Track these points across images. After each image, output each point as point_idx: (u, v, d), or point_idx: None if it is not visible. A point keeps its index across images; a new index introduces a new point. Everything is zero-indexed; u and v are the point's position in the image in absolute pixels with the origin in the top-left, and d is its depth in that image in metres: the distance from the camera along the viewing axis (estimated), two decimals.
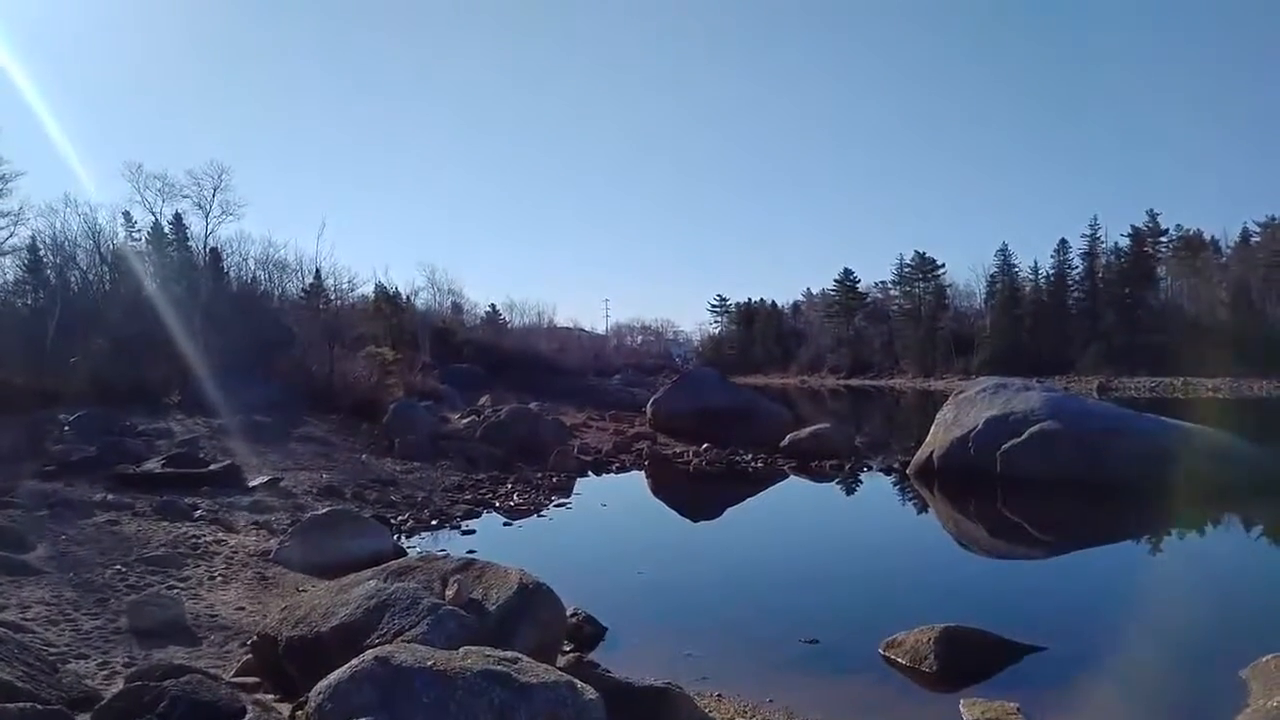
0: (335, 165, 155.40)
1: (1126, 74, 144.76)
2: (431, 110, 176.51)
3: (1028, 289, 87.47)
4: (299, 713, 3.83)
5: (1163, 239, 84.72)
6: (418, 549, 10.29)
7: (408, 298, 52.25)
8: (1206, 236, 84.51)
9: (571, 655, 6.11)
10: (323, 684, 3.55)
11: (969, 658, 6.67)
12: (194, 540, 9.55)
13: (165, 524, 10.15)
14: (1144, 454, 15.69)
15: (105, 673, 5.37)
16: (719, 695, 6.06)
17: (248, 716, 3.81)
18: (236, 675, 5.36)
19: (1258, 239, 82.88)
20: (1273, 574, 10.75)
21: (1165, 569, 11.15)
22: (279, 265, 37.18)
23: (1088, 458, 15.68)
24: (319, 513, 10.22)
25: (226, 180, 35.96)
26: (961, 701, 5.92)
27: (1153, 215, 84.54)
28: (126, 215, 38.37)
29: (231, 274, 36.33)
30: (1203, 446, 16.15)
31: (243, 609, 7.35)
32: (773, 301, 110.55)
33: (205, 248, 37.22)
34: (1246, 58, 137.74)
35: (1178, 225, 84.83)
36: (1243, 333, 72.74)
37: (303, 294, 39.01)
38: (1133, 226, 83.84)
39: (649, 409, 26.70)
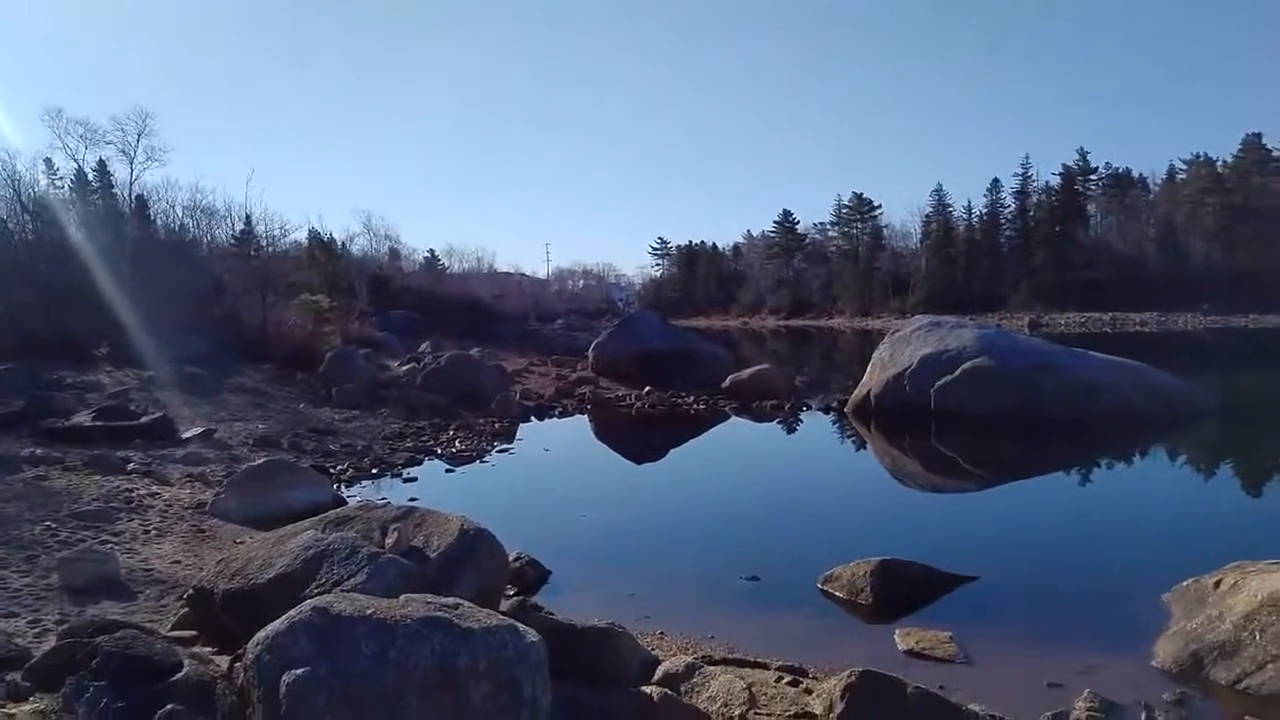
0: (265, 110, 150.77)
1: (1058, 15, 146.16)
2: (363, 53, 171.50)
3: (961, 229, 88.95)
4: (237, 665, 3.79)
5: (1092, 177, 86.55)
6: (358, 498, 10.20)
7: (343, 244, 51.06)
8: (1135, 175, 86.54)
9: (515, 599, 6.14)
10: (260, 635, 3.50)
11: (903, 589, 6.86)
12: (127, 494, 9.33)
13: (97, 478, 9.88)
14: (1073, 388, 16.16)
15: (36, 631, 5.24)
16: (661, 633, 6.16)
17: (184, 669, 3.76)
18: (173, 629, 5.28)
19: (1183, 176, 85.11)
20: (1192, 501, 11.18)
21: (1091, 499, 11.56)
22: (207, 212, 35.91)
23: (1019, 393, 16.09)
24: (255, 464, 10.06)
25: (151, 125, 34.49)
26: (896, 631, 6.11)
27: (1083, 154, 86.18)
28: (48, 162, 36.88)
29: (159, 222, 35.06)
30: (1129, 380, 16.69)
31: (179, 562, 7.23)
32: (714, 244, 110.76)
33: (131, 195, 35.86)
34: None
35: (1107, 164, 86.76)
36: (1168, 268, 75.01)
37: (233, 241, 37.85)
38: (1063, 165, 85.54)
39: (591, 353, 26.65)
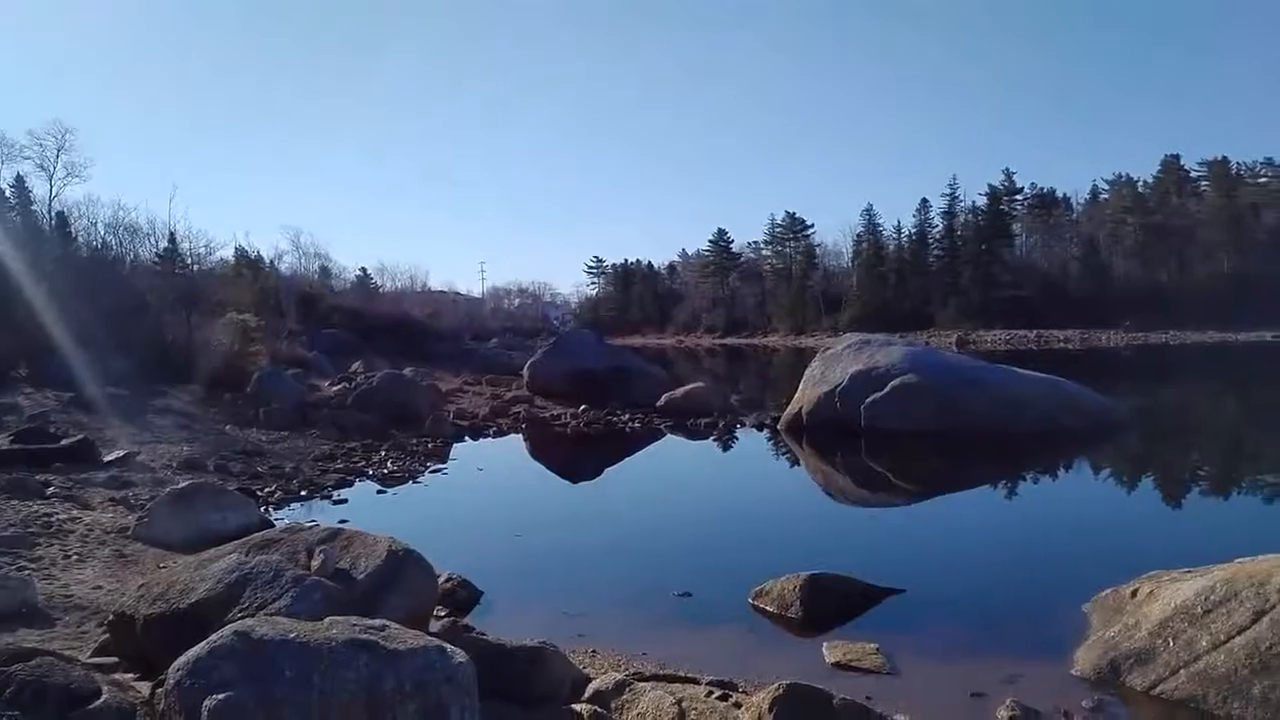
0: (189, 125, 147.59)
1: (984, 39, 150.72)
2: (291, 69, 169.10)
3: (891, 248, 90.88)
4: (158, 691, 3.71)
5: (1018, 197, 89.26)
6: (286, 521, 9.98)
7: (271, 262, 50.32)
8: (1059, 195, 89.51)
9: (446, 620, 6.10)
10: (181, 660, 3.44)
11: (832, 603, 6.97)
12: (46, 518, 9.00)
13: (15, 503, 9.51)
14: (998, 404, 16.61)
15: None
16: (594, 651, 6.16)
17: (103, 697, 3.67)
18: (93, 656, 5.12)
19: (1106, 196, 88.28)
20: (1111, 513, 11.54)
21: (1015, 512, 11.88)
22: (130, 229, 35.05)
23: (946, 409, 16.47)
24: (179, 486, 9.78)
25: (71, 140, 33.67)
26: (825, 644, 6.20)
27: (1009, 174, 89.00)
28: None
29: (80, 239, 34.13)
30: (1052, 396, 17.21)
31: (100, 588, 7.01)
32: (649, 262, 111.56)
33: (50, 212, 34.84)
34: (1098, 20, 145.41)
35: (1032, 184, 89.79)
36: (1091, 287, 77.59)
37: (157, 259, 36.96)
38: (990, 186, 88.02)
39: (526, 372, 26.55)
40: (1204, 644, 5.19)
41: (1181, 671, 5.19)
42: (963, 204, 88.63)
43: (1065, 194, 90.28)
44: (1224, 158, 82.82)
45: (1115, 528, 10.60)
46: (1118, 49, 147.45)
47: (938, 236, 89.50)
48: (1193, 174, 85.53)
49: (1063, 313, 72.25)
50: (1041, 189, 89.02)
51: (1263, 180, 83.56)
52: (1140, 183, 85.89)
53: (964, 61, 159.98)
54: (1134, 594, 6.16)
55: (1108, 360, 45.83)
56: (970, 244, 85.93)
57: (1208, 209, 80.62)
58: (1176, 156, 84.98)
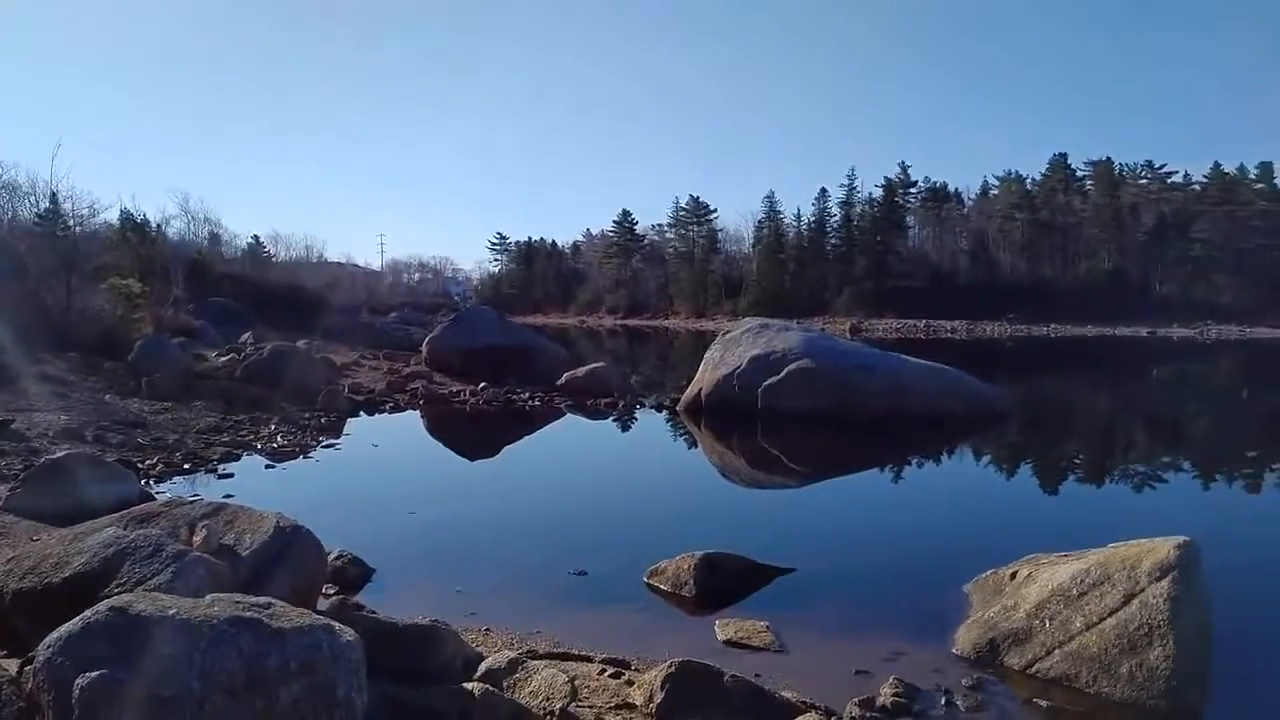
0: (73, 79, 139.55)
1: (886, 34, 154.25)
2: (181, 25, 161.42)
3: (791, 235, 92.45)
4: (26, 669, 3.54)
5: (912, 190, 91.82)
6: (168, 494, 9.62)
7: (158, 226, 48.01)
8: (951, 189, 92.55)
9: (335, 598, 5.97)
10: (52, 637, 3.29)
11: (725, 581, 7.09)
12: None
13: None
14: (888, 389, 17.14)
15: None
16: (487, 630, 6.12)
17: None
18: None
19: (995, 193, 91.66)
20: (992, 496, 12.04)
21: (902, 495, 12.27)
22: (9, 188, 33.06)
23: (839, 393, 16.91)
24: (55, 456, 9.32)
25: None
26: (716, 622, 6.30)
27: (904, 167, 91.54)
28: None
29: None
30: (938, 383, 17.84)
31: None
32: (553, 241, 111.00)
33: None
34: (996, 19, 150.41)
35: (926, 178, 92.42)
36: (978, 279, 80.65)
37: (37, 220, 34.97)
38: (886, 178, 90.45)
39: (425, 347, 26.14)
40: (1078, 625, 5.43)
41: (1056, 651, 5.41)
42: (860, 195, 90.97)
43: (957, 189, 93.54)
44: (1108, 159, 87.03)
45: (996, 511, 11.08)
46: (1009, 51, 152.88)
47: (835, 226, 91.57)
48: (1079, 173, 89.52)
49: (951, 304, 74.96)
50: (935, 183, 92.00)
51: (1143, 182, 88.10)
52: (1029, 180, 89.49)
53: (866, 54, 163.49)
54: (1013, 576, 6.38)
55: (992, 351, 47.72)
56: (866, 234, 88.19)
57: (1091, 208, 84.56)
58: (1064, 156, 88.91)
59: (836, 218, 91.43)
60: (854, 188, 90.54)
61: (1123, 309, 68.31)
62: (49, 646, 3.25)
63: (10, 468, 9.99)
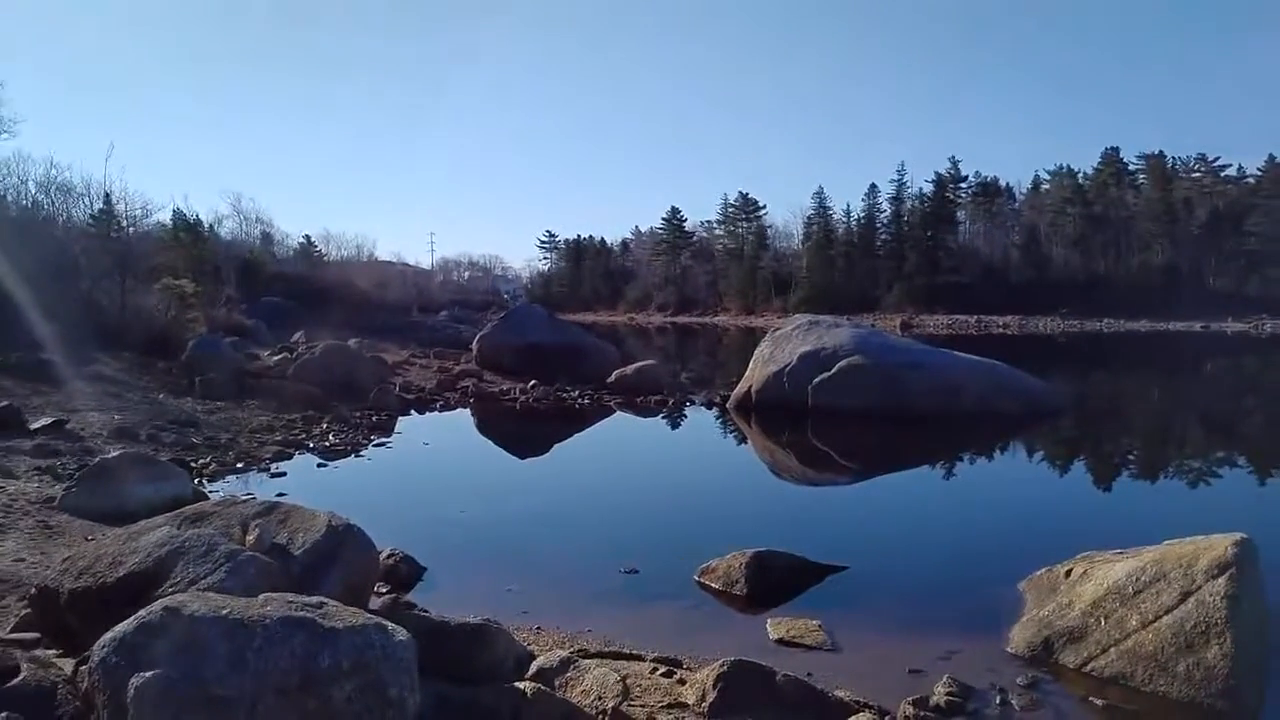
0: (128, 83, 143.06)
1: (935, 26, 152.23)
2: (235, 28, 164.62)
3: (840, 231, 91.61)
4: (82, 668, 3.57)
5: (962, 185, 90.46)
6: (221, 493, 9.76)
7: (210, 226, 48.94)
8: (1002, 184, 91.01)
9: (387, 597, 5.98)
10: (107, 636, 3.30)
11: (776, 579, 7.01)
12: None
13: None
14: (939, 386, 16.86)
15: None
16: (538, 628, 6.10)
17: (22, 673, 3.53)
18: (13, 631, 4.92)
19: (1047, 187, 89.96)
20: (1045, 494, 11.78)
21: (955, 492, 12.06)
22: (63, 189, 33.80)
23: (890, 390, 16.68)
24: (109, 456, 9.49)
25: (0, 94, 32.33)
26: (768, 621, 6.22)
27: (954, 162, 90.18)
28: None
29: (9, 198, 32.81)
30: (991, 379, 17.52)
31: (22, 560, 6.75)
32: (602, 239, 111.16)
33: None
34: (1046, 11, 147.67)
35: (976, 172, 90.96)
36: (1030, 274, 79.22)
37: (91, 221, 35.78)
38: (936, 173, 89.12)
39: (475, 346, 26.33)
40: (1134, 623, 5.32)
41: (1112, 649, 5.31)
42: (910, 190, 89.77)
43: (1008, 183, 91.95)
44: (1161, 153, 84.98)
45: (1049, 509, 10.84)
46: (1063, 41, 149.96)
47: (885, 221, 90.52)
48: (1131, 167, 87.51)
49: (1003, 299, 73.74)
50: (985, 178, 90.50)
51: (1196, 175, 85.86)
52: (1080, 174, 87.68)
53: (915, 48, 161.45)
54: (1068, 574, 6.27)
55: (1044, 346, 46.83)
56: (916, 229, 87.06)
57: (1144, 202, 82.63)
58: (1116, 150, 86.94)
59: (886, 213, 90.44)
60: (904, 183, 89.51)
61: (1176, 303, 66.64)
62: (104, 646, 3.27)
63: (65, 467, 10.18)
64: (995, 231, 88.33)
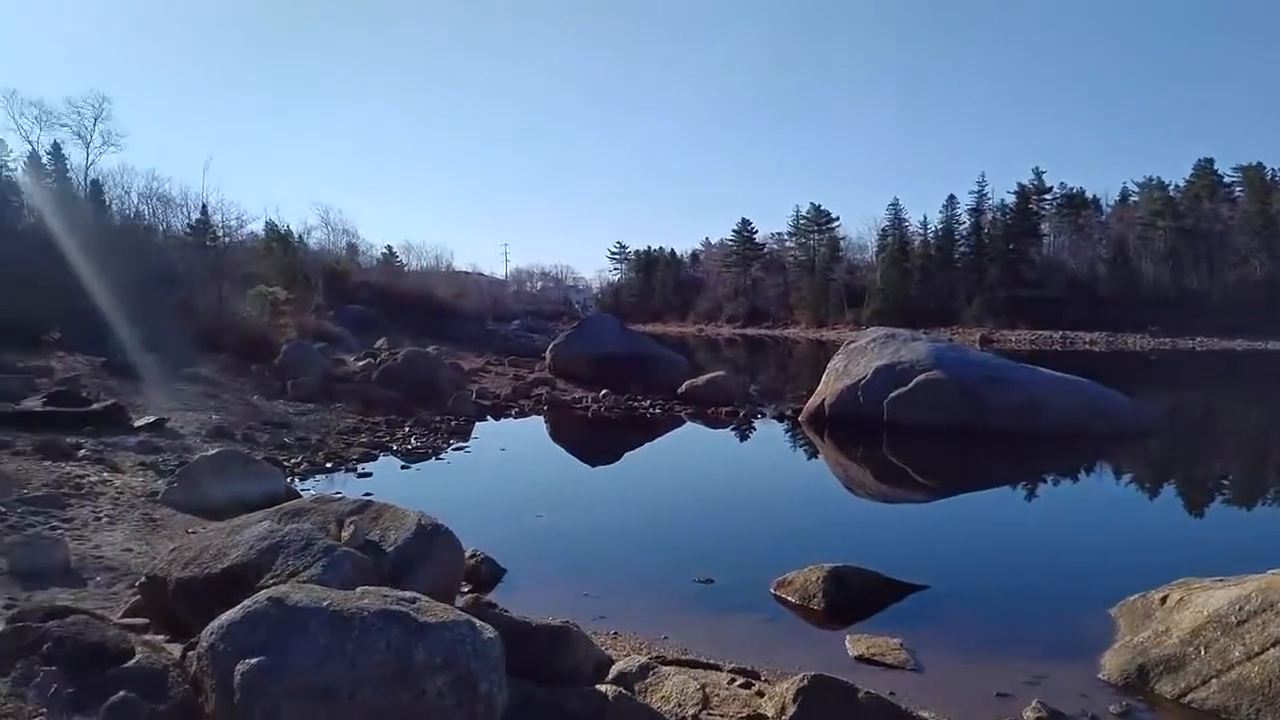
0: (224, 98, 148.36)
1: (1018, 35, 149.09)
2: (323, 44, 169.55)
3: (917, 243, 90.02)
4: (190, 654, 3.75)
5: (1047, 196, 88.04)
6: (312, 491, 10.08)
7: (300, 237, 50.57)
8: (1088, 195, 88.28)
9: (470, 596, 6.11)
10: (215, 624, 3.47)
11: (855, 596, 6.96)
12: (78, 480, 9.13)
13: (46, 463, 9.65)
14: (1021, 403, 16.48)
15: None
16: (615, 633, 6.18)
17: (136, 657, 3.71)
18: (124, 617, 5.18)
19: (1136, 199, 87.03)
20: (1136, 517, 11.44)
21: (1039, 513, 11.79)
22: (163, 200, 35.36)
23: (969, 406, 16.36)
24: (208, 454, 9.89)
25: (108, 109, 34.05)
26: (847, 637, 6.19)
27: (1038, 173, 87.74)
28: (1, 144, 36.02)
29: (114, 207, 34.45)
30: (1076, 396, 17.06)
31: (130, 550, 7.09)
32: (672, 250, 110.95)
33: (86, 180, 35.19)
34: (1131, 22, 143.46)
35: (1061, 184, 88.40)
36: (1118, 289, 76.66)
37: (189, 230, 37.26)
38: (1019, 184, 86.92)
39: (548, 354, 26.63)
40: (1237, 654, 5.13)
41: (1213, 681, 5.14)
42: (991, 202, 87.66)
43: (1095, 195, 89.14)
44: (1259, 163, 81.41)
45: (1140, 533, 10.52)
46: (1151, 49, 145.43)
47: (964, 233, 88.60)
48: (1226, 179, 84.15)
49: (1089, 314, 71.45)
50: (1071, 189, 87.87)
51: None
52: (1171, 186, 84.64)
53: (996, 57, 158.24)
54: (1163, 600, 6.11)
55: (1133, 364, 45.36)
56: (997, 242, 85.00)
57: (1241, 215, 79.34)
58: (1210, 160, 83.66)
59: (966, 225, 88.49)
60: (984, 194, 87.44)
61: (1274, 321, 63.76)
62: (212, 633, 3.43)
63: (166, 463, 10.63)
64: (1081, 245, 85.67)
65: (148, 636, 4.34)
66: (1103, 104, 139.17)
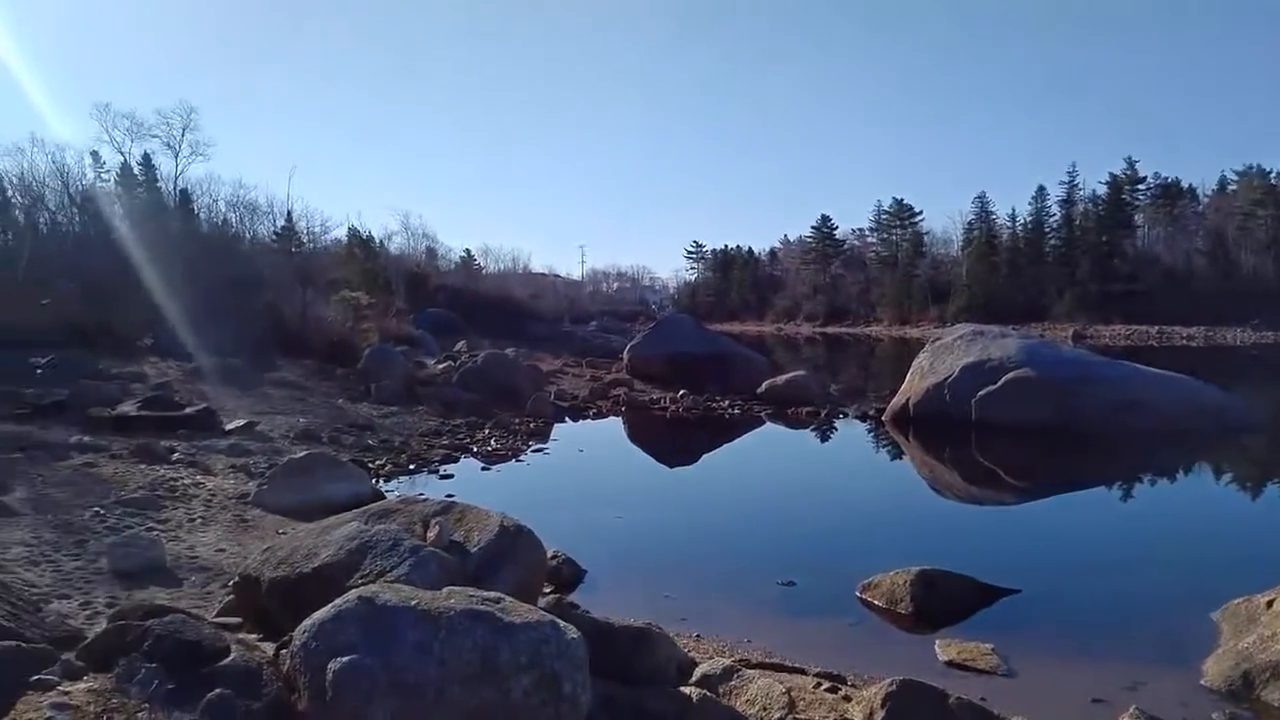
0: (307, 107, 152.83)
1: (1107, 21, 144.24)
2: (404, 53, 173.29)
3: (1005, 236, 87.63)
4: (283, 652, 3.82)
5: (1140, 187, 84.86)
6: (396, 493, 10.28)
7: (381, 242, 51.73)
8: (1184, 185, 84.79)
9: (551, 597, 6.14)
10: (308, 622, 3.54)
11: (944, 600, 6.78)
12: (172, 483, 9.48)
13: (142, 466, 10.05)
14: (1117, 401, 15.91)
15: (87, 613, 5.34)
16: (698, 636, 6.14)
17: (232, 655, 3.80)
18: (218, 615, 5.34)
19: (1234, 188, 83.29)
20: (1239, 518, 10.96)
21: (1136, 514, 11.36)
22: (249, 207, 36.56)
23: (1062, 405, 15.86)
24: (296, 456, 10.17)
25: (195, 120, 35.32)
26: (937, 642, 6.04)
27: (1131, 163, 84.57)
28: (95, 155, 37.71)
29: (202, 216, 35.75)
30: (1175, 394, 16.40)
31: (222, 550, 7.32)
32: (749, 248, 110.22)
33: (175, 189, 36.58)
34: (1226, 6, 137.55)
35: (1156, 173, 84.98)
36: (1218, 282, 73.47)
37: (274, 237, 38.44)
38: (1111, 174, 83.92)
39: (625, 355, 26.70)
40: None
41: None
42: (1082, 193, 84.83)
43: (1191, 184, 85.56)
44: None
45: (1243, 534, 10.07)
46: (1247, 33, 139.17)
47: (1054, 226, 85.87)
48: None
49: (1186, 308, 68.56)
50: (1166, 179, 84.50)
51: None
52: (1273, 174, 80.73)
53: (1084, 45, 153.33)
54: (1269, 604, 5.85)
55: (1235, 359, 43.45)
56: (1089, 234, 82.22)
57: None
58: None
59: (1056, 217, 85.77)
60: (1075, 185, 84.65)
61: None
62: (304, 631, 3.49)
63: (256, 465, 10.96)
64: (1177, 236, 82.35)
65: (241, 635, 4.44)
66: (1199, 89, 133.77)
